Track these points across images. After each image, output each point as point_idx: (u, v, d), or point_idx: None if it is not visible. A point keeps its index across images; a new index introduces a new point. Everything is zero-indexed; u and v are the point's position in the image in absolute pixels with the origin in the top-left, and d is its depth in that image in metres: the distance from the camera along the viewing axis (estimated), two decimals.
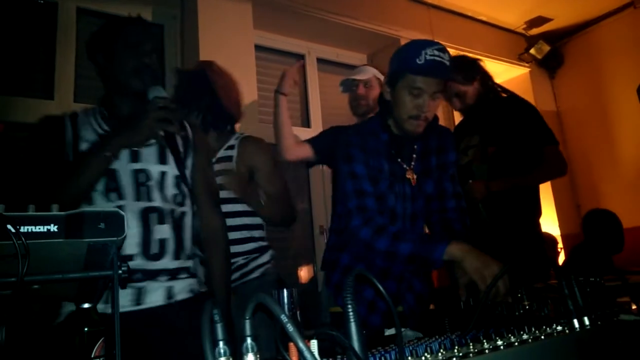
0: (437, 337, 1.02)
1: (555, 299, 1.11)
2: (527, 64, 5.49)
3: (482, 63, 2.71)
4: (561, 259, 4.71)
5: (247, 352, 0.67)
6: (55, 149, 1.52)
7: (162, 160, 1.59)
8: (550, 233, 4.50)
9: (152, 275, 1.49)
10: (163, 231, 1.53)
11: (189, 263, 1.61)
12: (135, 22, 1.66)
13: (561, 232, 5.08)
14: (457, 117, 4.84)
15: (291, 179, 3.30)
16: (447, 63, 1.66)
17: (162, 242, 1.52)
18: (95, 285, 0.87)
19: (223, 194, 2.07)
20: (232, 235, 1.99)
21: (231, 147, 2.15)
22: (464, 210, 1.90)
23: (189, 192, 1.65)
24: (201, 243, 1.69)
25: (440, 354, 0.82)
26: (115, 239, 0.80)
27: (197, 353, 0.64)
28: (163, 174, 1.57)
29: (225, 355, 0.65)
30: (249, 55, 3.45)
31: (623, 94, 4.91)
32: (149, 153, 1.57)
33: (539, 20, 5.27)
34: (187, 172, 1.64)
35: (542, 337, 0.92)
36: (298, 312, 1.06)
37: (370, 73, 2.78)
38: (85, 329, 0.84)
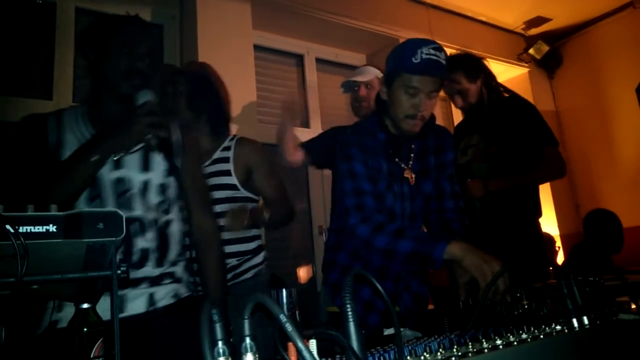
0: (436, 336, 1.02)
1: (554, 299, 1.11)
2: (526, 64, 5.49)
3: (486, 62, 2.71)
4: (559, 258, 4.72)
5: (246, 352, 0.67)
6: (36, 150, 1.48)
7: (145, 168, 1.54)
8: (547, 232, 4.51)
9: (133, 283, 1.46)
10: (144, 241, 1.49)
11: (173, 268, 1.57)
12: (132, 23, 1.61)
13: (560, 231, 5.09)
14: (457, 117, 4.86)
15: (290, 179, 3.30)
16: (444, 62, 1.65)
17: (144, 252, 1.49)
18: (94, 285, 0.87)
19: (218, 195, 2.08)
20: (226, 235, 2.00)
21: (227, 149, 2.16)
22: (462, 210, 1.90)
23: (179, 196, 1.62)
24: (193, 246, 1.66)
25: (439, 354, 0.82)
26: (114, 239, 0.80)
27: (181, 358, 0.63)
28: (146, 182, 1.53)
29: (224, 355, 0.65)
30: (248, 55, 3.45)
31: (622, 94, 4.92)
32: (132, 160, 1.52)
33: (538, 21, 5.28)
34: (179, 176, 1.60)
35: (541, 336, 0.92)
36: (297, 312, 1.06)
37: (372, 74, 2.77)
38: (85, 329, 0.84)
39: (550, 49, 5.43)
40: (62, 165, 1.41)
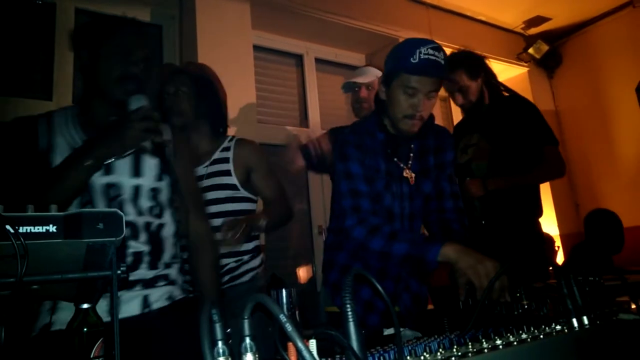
0: (436, 336, 1.02)
1: (554, 299, 1.11)
2: (525, 64, 5.50)
3: (487, 62, 2.71)
4: (558, 258, 4.72)
5: (246, 351, 0.67)
6: (27, 155, 1.45)
7: (136, 173, 1.53)
8: (546, 232, 4.51)
9: (127, 285, 1.45)
10: (138, 244, 1.48)
11: (167, 271, 1.56)
12: (128, 26, 1.59)
13: (560, 231, 5.09)
14: (456, 117, 4.86)
15: (290, 179, 3.30)
16: (442, 62, 1.65)
17: (137, 255, 1.48)
18: (94, 285, 0.87)
19: (218, 194, 2.08)
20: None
21: (227, 149, 2.16)
22: (461, 210, 1.90)
23: (172, 199, 1.60)
24: (187, 249, 1.65)
25: (439, 354, 0.82)
26: (114, 239, 0.80)
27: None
28: (137, 187, 1.51)
29: (224, 354, 0.65)
30: (247, 55, 3.45)
31: (622, 94, 4.92)
32: (122, 166, 1.50)
33: (538, 20, 5.28)
34: (173, 178, 1.58)
35: (541, 336, 0.92)
36: (297, 312, 1.06)
37: (373, 75, 2.76)
38: (85, 329, 0.84)
39: (549, 48, 5.43)
40: (54, 171, 1.39)
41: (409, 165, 1.83)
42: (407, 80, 1.67)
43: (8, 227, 0.70)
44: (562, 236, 5.07)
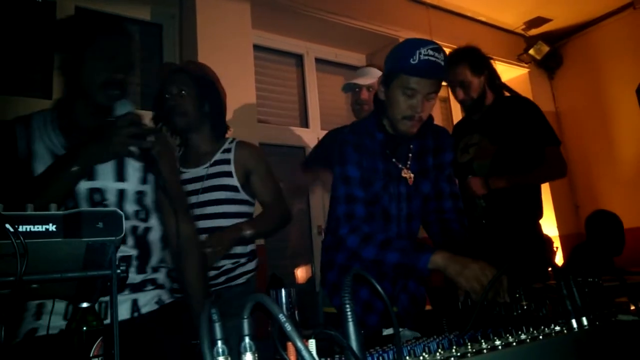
0: (435, 337, 1.02)
1: (553, 299, 1.11)
2: (526, 65, 5.50)
3: (492, 62, 2.71)
4: (557, 259, 4.72)
5: (246, 351, 0.67)
6: (6, 161, 1.43)
7: (120, 178, 1.51)
8: (545, 233, 4.52)
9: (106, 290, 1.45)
10: (125, 249, 1.47)
11: (155, 275, 1.56)
12: (115, 28, 1.55)
13: (559, 232, 5.09)
14: (456, 118, 4.86)
15: (290, 179, 3.30)
16: (442, 63, 1.64)
17: (125, 259, 1.47)
18: (94, 284, 0.87)
19: (218, 195, 2.08)
20: None
21: (227, 151, 2.16)
22: (461, 210, 1.90)
23: (157, 202, 1.59)
24: (174, 252, 1.64)
25: (438, 354, 0.82)
26: (113, 238, 0.80)
27: None
28: (121, 191, 1.50)
29: (224, 354, 0.65)
30: (247, 55, 3.45)
31: (622, 95, 4.92)
32: (106, 170, 1.48)
33: (538, 21, 5.28)
34: (161, 182, 1.54)
35: (540, 337, 0.92)
36: (296, 312, 1.06)
37: (374, 77, 2.75)
38: (84, 328, 0.84)
39: (550, 49, 5.43)
40: (40, 179, 1.37)
41: (408, 166, 1.83)
42: (407, 81, 1.66)
43: (8, 226, 0.71)
44: (561, 237, 5.07)
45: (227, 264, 2.06)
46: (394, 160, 1.80)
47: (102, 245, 0.81)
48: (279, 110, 4.06)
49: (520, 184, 2.51)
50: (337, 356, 0.86)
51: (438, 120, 2.05)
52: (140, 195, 1.54)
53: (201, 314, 0.64)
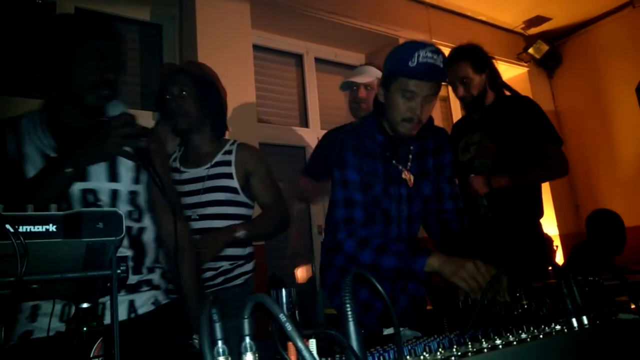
0: (435, 336, 1.02)
1: (554, 298, 1.11)
2: (525, 64, 5.50)
3: (494, 62, 2.71)
4: (557, 258, 4.72)
5: (246, 351, 0.67)
6: None
7: (113, 178, 1.50)
8: (545, 232, 4.52)
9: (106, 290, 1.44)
10: (120, 249, 1.45)
11: (150, 276, 1.56)
12: (106, 30, 1.54)
13: (559, 231, 5.09)
14: (456, 118, 4.86)
15: (290, 179, 3.30)
16: (441, 65, 1.64)
17: (121, 260, 1.47)
18: (94, 284, 0.87)
19: (218, 196, 2.08)
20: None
21: (229, 152, 2.16)
22: (461, 211, 1.90)
23: (150, 202, 1.59)
24: (167, 252, 1.63)
25: (438, 353, 0.82)
26: (113, 238, 0.80)
27: None
28: (115, 192, 1.49)
29: (224, 354, 0.65)
30: (247, 55, 3.45)
31: (622, 94, 4.92)
32: (99, 171, 1.47)
33: (538, 20, 5.28)
34: (158, 182, 1.51)
35: (541, 336, 0.92)
36: (297, 312, 1.06)
37: (372, 75, 2.75)
38: (84, 329, 0.84)
39: (549, 48, 5.43)
40: (33, 181, 1.36)
41: (408, 167, 1.83)
42: (405, 84, 1.66)
43: (8, 226, 0.71)
44: (561, 236, 5.07)
45: (225, 264, 2.06)
46: (394, 162, 1.80)
47: (102, 245, 0.81)
48: (278, 110, 4.06)
49: (522, 183, 2.51)
50: (337, 356, 0.86)
51: (438, 120, 2.05)
52: (133, 195, 1.54)
53: (201, 314, 0.64)
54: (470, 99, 2.61)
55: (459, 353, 0.83)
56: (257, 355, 0.67)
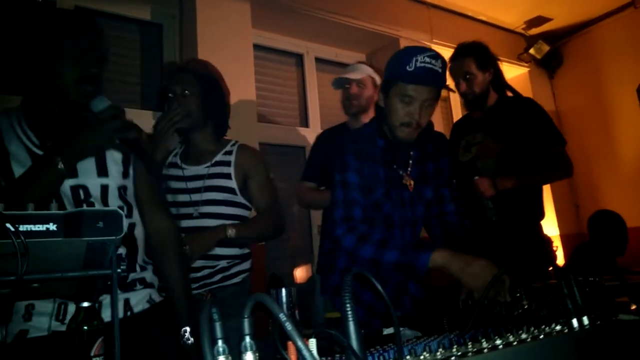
0: (435, 336, 1.02)
1: (554, 299, 1.11)
2: (526, 64, 5.49)
3: (499, 62, 2.71)
4: (556, 258, 4.72)
5: (246, 350, 0.67)
6: None
7: (103, 173, 1.48)
8: (545, 233, 4.52)
9: (107, 289, 1.43)
10: None
11: (143, 274, 1.54)
12: (87, 24, 1.53)
13: (560, 232, 5.09)
14: (457, 118, 4.86)
15: (290, 179, 3.30)
16: (439, 70, 1.64)
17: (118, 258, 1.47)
18: (95, 284, 0.87)
19: (216, 196, 2.08)
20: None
21: (229, 153, 2.16)
22: (463, 213, 1.90)
23: (137, 198, 1.58)
24: (153, 249, 1.62)
25: (438, 353, 0.82)
26: (114, 237, 0.80)
27: None
28: (105, 187, 1.47)
29: (224, 353, 0.65)
30: (247, 54, 3.45)
31: (623, 94, 4.92)
32: (88, 167, 1.45)
33: (539, 20, 5.28)
34: (154, 171, 1.55)
35: (541, 336, 0.92)
36: (297, 311, 1.06)
37: (364, 72, 2.76)
38: (85, 328, 0.84)
39: (550, 48, 5.43)
40: (22, 179, 1.33)
41: (409, 172, 1.83)
42: (404, 88, 1.66)
43: (8, 225, 0.71)
44: (562, 237, 5.07)
45: (222, 263, 2.06)
46: (394, 166, 1.81)
47: (103, 244, 0.81)
48: (279, 109, 4.06)
49: (527, 185, 2.50)
50: (337, 355, 0.86)
51: (438, 120, 2.05)
52: (122, 190, 1.52)
53: (201, 314, 0.64)
54: (472, 95, 2.60)
55: (459, 353, 0.83)
56: (257, 354, 0.67)
